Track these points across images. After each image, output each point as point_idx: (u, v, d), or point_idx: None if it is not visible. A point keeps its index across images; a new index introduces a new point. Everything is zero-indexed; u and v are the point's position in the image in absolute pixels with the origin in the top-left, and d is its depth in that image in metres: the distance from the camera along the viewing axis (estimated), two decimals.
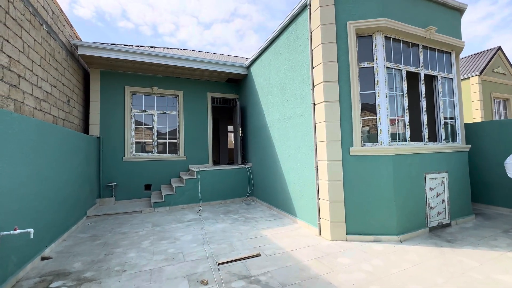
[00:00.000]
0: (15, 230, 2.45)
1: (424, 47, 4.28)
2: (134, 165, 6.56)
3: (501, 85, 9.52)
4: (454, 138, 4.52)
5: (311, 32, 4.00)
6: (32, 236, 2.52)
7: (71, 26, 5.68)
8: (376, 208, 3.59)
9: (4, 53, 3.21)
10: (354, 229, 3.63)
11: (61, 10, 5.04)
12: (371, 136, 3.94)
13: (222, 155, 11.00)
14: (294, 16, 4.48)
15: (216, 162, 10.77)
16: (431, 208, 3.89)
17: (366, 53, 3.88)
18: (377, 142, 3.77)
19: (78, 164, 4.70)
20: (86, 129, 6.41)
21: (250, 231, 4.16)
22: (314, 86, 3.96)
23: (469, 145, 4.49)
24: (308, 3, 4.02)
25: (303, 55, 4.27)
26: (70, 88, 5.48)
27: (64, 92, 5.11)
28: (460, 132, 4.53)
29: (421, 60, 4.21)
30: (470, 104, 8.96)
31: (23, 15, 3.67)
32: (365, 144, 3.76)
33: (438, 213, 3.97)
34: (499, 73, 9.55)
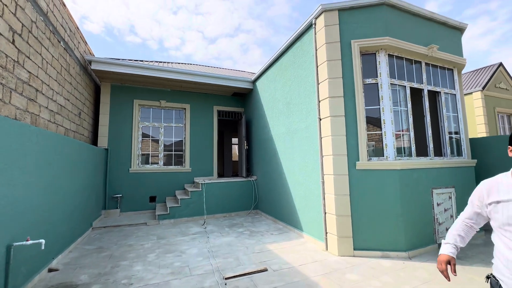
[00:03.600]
0: (27, 241, 2.49)
1: (427, 64, 4.39)
2: (140, 177, 6.62)
3: (504, 100, 9.58)
4: (459, 153, 4.53)
5: (317, 50, 4.15)
6: (43, 247, 2.55)
7: (86, 42, 5.95)
8: (384, 223, 3.57)
9: (25, 69, 3.38)
10: (362, 244, 3.59)
11: (78, 28, 5.32)
12: (377, 151, 3.98)
13: (226, 167, 11.04)
14: (299, 34, 4.67)
15: (220, 174, 10.79)
16: (439, 224, 3.85)
17: (370, 69, 4.00)
18: (383, 156, 3.80)
19: (87, 176, 4.78)
20: (94, 141, 6.54)
21: (256, 245, 4.13)
22: (319, 101, 4.06)
23: (475, 160, 4.49)
24: (313, 22, 4.20)
25: (309, 71, 4.41)
26: (82, 101, 5.66)
27: (76, 105, 5.28)
28: (465, 147, 4.55)
29: (424, 76, 4.31)
30: (474, 119, 8.99)
31: (44, 33, 3.89)
32: (371, 159, 3.79)
33: (447, 229, 3.92)
34: (502, 88, 9.63)
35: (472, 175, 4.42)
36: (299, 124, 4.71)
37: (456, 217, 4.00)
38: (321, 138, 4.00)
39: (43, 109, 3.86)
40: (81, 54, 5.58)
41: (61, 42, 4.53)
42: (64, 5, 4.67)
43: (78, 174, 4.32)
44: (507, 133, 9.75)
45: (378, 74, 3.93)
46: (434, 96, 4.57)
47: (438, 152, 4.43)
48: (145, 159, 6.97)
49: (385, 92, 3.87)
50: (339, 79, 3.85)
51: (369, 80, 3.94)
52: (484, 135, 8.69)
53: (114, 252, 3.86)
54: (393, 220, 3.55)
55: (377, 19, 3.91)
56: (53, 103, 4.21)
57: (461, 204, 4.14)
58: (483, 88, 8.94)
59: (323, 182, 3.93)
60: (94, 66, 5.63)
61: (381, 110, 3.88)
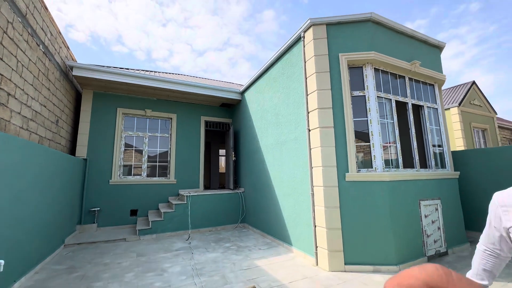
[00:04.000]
0: None
1: (410, 79, 4.56)
2: (120, 189, 6.26)
3: (478, 116, 10.16)
4: (443, 165, 4.64)
5: (305, 62, 4.20)
6: (1, 269, 2.24)
7: (68, 48, 5.72)
8: (374, 236, 3.51)
9: None
10: (353, 258, 3.49)
11: (60, 32, 5.11)
12: (365, 162, 3.99)
13: (213, 179, 10.76)
14: (288, 47, 4.73)
15: (206, 186, 10.48)
16: (428, 236, 3.85)
17: (357, 82, 4.07)
18: (372, 168, 3.80)
19: (61, 187, 4.43)
20: (73, 150, 6.16)
21: (244, 261, 3.92)
22: (308, 112, 4.05)
23: (458, 172, 4.61)
24: (302, 35, 4.27)
25: (298, 82, 4.43)
26: (60, 108, 5.36)
27: (53, 112, 4.97)
28: (448, 159, 4.67)
29: (408, 90, 4.46)
30: (452, 133, 9.42)
31: (21, 35, 3.67)
32: (360, 170, 3.78)
33: (435, 241, 3.92)
34: (476, 105, 10.24)
35: (456, 187, 4.52)
36: (288, 135, 4.67)
37: (444, 229, 4.03)
38: (310, 149, 3.96)
39: (14, 114, 3.58)
40: (62, 59, 5.34)
41: (41, 46, 4.31)
42: (46, 8, 4.49)
43: (52, 186, 3.98)
44: (482, 146, 10.27)
45: (365, 87, 4.01)
46: (417, 109, 4.71)
47: (423, 164, 4.51)
48: (128, 170, 6.63)
49: (372, 105, 3.94)
50: (328, 91, 3.88)
51: (357, 93, 4.00)
52: (462, 148, 9.09)
53: (87, 272, 3.51)
54: (383, 232, 3.50)
55: (363, 34, 4.04)
56: (27, 109, 3.92)
57: (447, 216, 4.19)
58: (459, 104, 9.45)
59: (312, 194, 3.85)
60: (75, 72, 5.39)
61: (369, 122, 3.92)
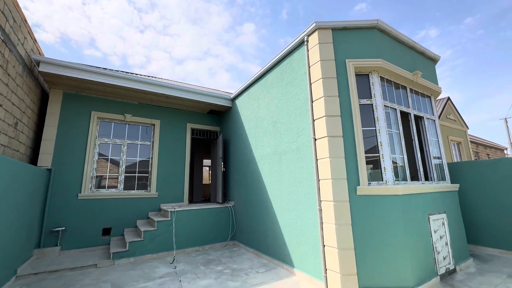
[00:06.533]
0: None
1: (411, 90, 4.50)
2: (91, 204, 5.40)
3: (454, 129, 10.73)
4: (443, 178, 4.57)
5: (310, 67, 3.94)
6: None
7: (35, 40, 4.95)
8: (389, 256, 3.21)
9: None
10: (367, 282, 3.15)
11: (26, 20, 4.38)
12: (374, 174, 3.75)
13: (196, 191, 10.03)
14: (289, 51, 4.46)
15: (189, 200, 9.71)
16: (438, 253, 3.65)
17: (364, 90, 3.89)
18: (382, 180, 3.56)
19: (16, 205, 3.61)
20: (34, 159, 5.24)
21: None
22: (314, 120, 3.75)
23: (458, 185, 4.56)
24: (305, 39, 4.03)
25: (300, 88, 4.15)
26: (21, 109, 4.53)
27: (11, 113, 4.16)
28: (447, 171, 4.62)
29: (410, 101, 4.38)
30: None
31: None
32: (370, 183, 3.51)
33: (444, 258, 3.73)
34: (451, 119, 10.83)
35: (457, 199, 4.45)
36: (289, 144, 4.32)
37: (451, 245, 3.86)
38: (317, 160, 3.63)
39: None
40: (26, 52, 4.57)
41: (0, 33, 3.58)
42: None
43: (3, 203, 3.19)
44: (458, 159, 10.81)
45: (373, 95, 3.83)
46: (417, 121, 4.65)
47: (425, 176, 4.40)
48: (102, 183, 5.80)
49: (380, 114, 3.75)
50: (336, 98, 3.63)
51: (364, 101, 3.80)
52: None
53: None
54: (398, 251, 3.21)
55: (369, 41, 3.90)
56: None
57: (453, 230, 4.05)
58: (438, 117, 9.89)
59: (320, 210, 3.49)
60: (42, 68, 4.62)
61: (377, 131, 3.72)
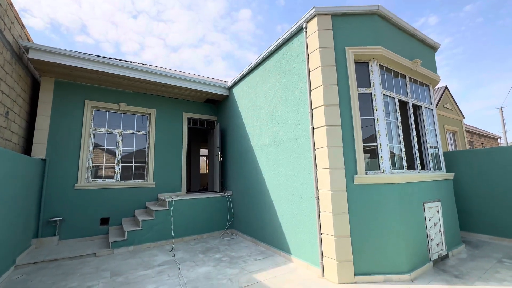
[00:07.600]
0: None
1: (410, 78, 4.46)
2: (88, 194, 5.39)
3: (450, 119, 10.79)
4: (439, 167, 4.62)
5: (308, 55, 3.85)
6: None
7: (23, 25, 4.75)
8: (384, 243, 3.27)
9: None
10: (363, 268, 3.22)
11: (12, 4, 4.18)
12: (371, 163, 3.76)
13: (193, 181, 10.06)
14: (287, 38, 4.35)
15: (187, 189, 9.74)
16: (432, 240, 3.73)
17: (363, 79, 3.84)
18: (379, 170, 3.58)
19: (12, 196, 3.57)
20: (28, 149, 5.16)
21: (241, 275, 3.46)
22: (312, 109, 3.71)
23: (453, 173, 4.62)
24: (304, 26, 3.92)
25: (298, 77, 4.08)
26: (12, 98, 4.40)
27: (2, 102, 4.04)
28: (443, 160, 4.67)
29: (409, 90, 4.35)
30: None
31: None
32: (367, 172, 3.53)
33: (437, 244, 3.83)
34: (448, 108, 10.85)
35: (451, 188, 4.51)
36: (287, 134, 4.30)
37: (444, 232, 3.96)
38: (315, 149, 3.63)
39: None
40: (14, 38, 4.39)
41: None
42: None
43: None
44: (453, 148, 10.94)
45: (372, 84, 3.79)
46: (414, 110, 4.64)
47: (421, 165, 4.44)
48: (97, 172, 5.76)
49: (379, 103, 3.72)
50: (334, 86, 3.58)
51: (363, 90, 3.76)
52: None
53: None
54: (393, 239, 3.28)
55: (369, 28, 3.81)
56: None
57: (447, 218, 4.14)
58: (436, 107, 9.90)
59: (318, 199, 3.52)
60: (32, 55, 4.45)
61: (375, 121, 3.70)
